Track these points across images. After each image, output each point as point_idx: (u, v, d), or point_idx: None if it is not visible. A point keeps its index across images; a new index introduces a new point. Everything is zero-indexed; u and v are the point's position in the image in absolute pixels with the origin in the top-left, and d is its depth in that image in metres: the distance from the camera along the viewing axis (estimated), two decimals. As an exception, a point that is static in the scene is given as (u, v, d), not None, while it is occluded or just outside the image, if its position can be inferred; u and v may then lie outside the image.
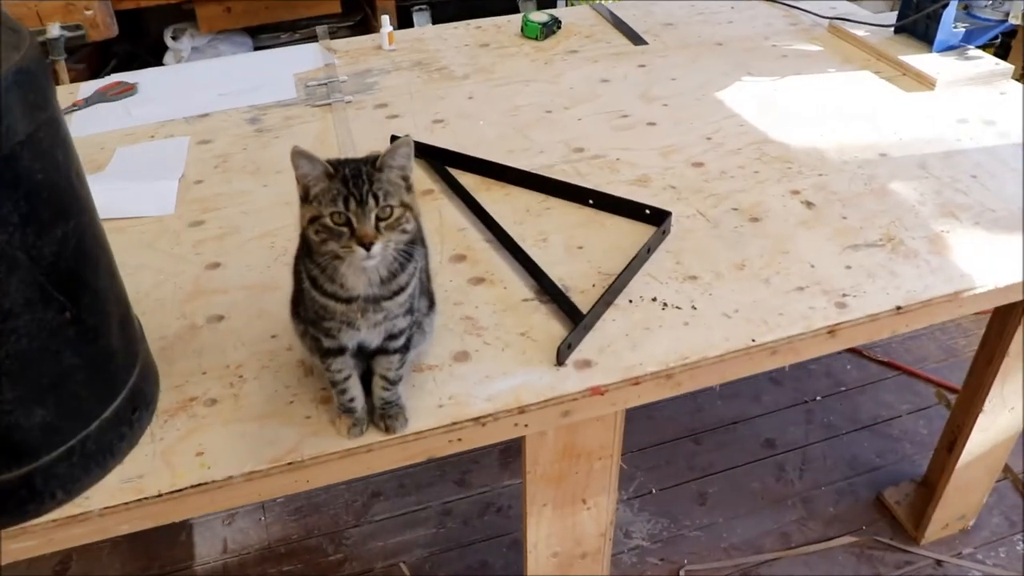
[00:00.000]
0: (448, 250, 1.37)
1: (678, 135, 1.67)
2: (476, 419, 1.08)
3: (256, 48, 3.17)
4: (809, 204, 1.45)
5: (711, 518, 2.12)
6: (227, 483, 1.03)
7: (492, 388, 1.11)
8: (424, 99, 1.86)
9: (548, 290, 1.25)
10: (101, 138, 1.78)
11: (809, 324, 1.20)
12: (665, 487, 2.21)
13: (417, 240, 0.98)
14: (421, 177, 1.57)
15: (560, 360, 1.14)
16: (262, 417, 1.10)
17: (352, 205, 0.89)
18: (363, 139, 1.70)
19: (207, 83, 1.98)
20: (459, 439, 1.10)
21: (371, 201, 0.89)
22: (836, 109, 1.75)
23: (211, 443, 1.07)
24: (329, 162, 0.91)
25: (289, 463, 1.04)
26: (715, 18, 2.19)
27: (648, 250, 1.33)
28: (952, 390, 2.33)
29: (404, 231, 0.92)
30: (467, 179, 1.55)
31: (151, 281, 1.35)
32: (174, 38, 3.07)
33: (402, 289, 0.97)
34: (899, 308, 1.24)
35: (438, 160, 1.59)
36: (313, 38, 2.90)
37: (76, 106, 1.91)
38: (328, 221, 0.90)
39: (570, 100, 1.82)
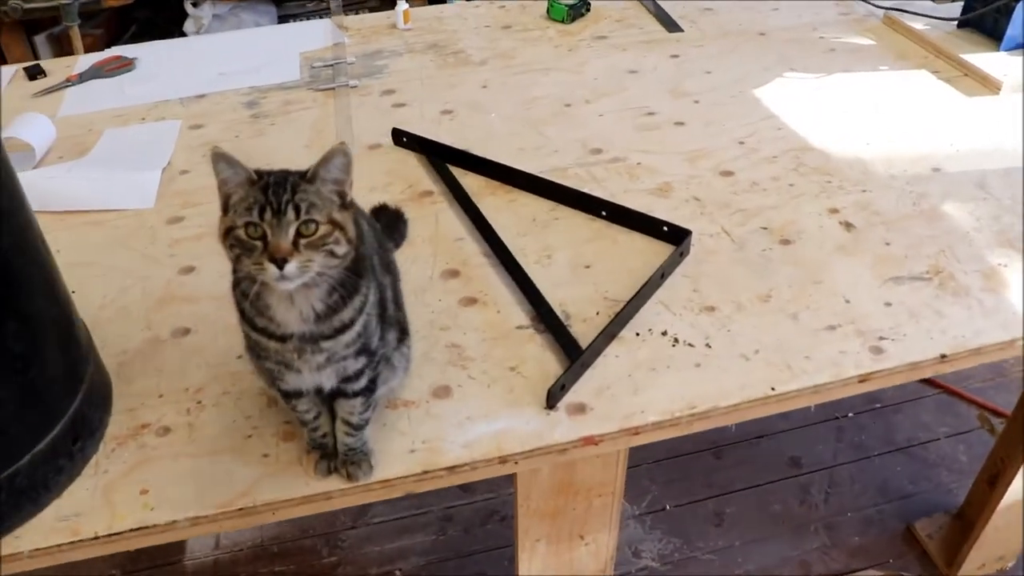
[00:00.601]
0: (441, 263, 1.25)
1: (708, 138, 1.52)
2: (451, 468, 0.96)
3: (280, 17, 3.05)
4: (849, 226, 1.30)
5: (727, 540, 2.00)
6: (170, 527, 0.93)
7: (472, 432, 0.99)
8: (435, 86, 1.72)
9: (545, 318, 1.12)
10: (91, 118, 1.68)
11: (839, 372, 1.06)
12: (680, 504, 2.09)
13: (365, 269, 0.85)
14: (421, 176, 1.44)
15: (551, 404, 1.01)
16: (216, 452, 0.99)
17: (268, 215, 0.76)
18: (365, 130, 1.58)
19: (209, 61, 1.87)
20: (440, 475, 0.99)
21: (290, 212, 0.77)
22: (886, 113, 1.57)
23: (158, 479, 0.96)
24: (256, 171, 0.79)
25: (240, 508, 0.93)
26: (759, 4, 2.01)
27: (662, 275, 1.19)
28: (998, 414, 2.16)
29: (332, 253, 0.79)
30: (471, 180, 1.42)
31: (119, 285, 1.24)
32: (195, 5, 2.96)
33: (345, 327, 0.84)
34: (944, 356, 1.09)
35: (441, 158, 1.46)
36: (342, 8, 2.77)
37: (70, 81, 1.80)
38: (242, 233, 0.77)
39: (592, 93, 1.67)
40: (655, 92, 1.66)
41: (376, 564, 1.97)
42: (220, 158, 0.78)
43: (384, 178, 1.44)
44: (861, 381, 1.07)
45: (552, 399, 1.01)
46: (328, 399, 0.94)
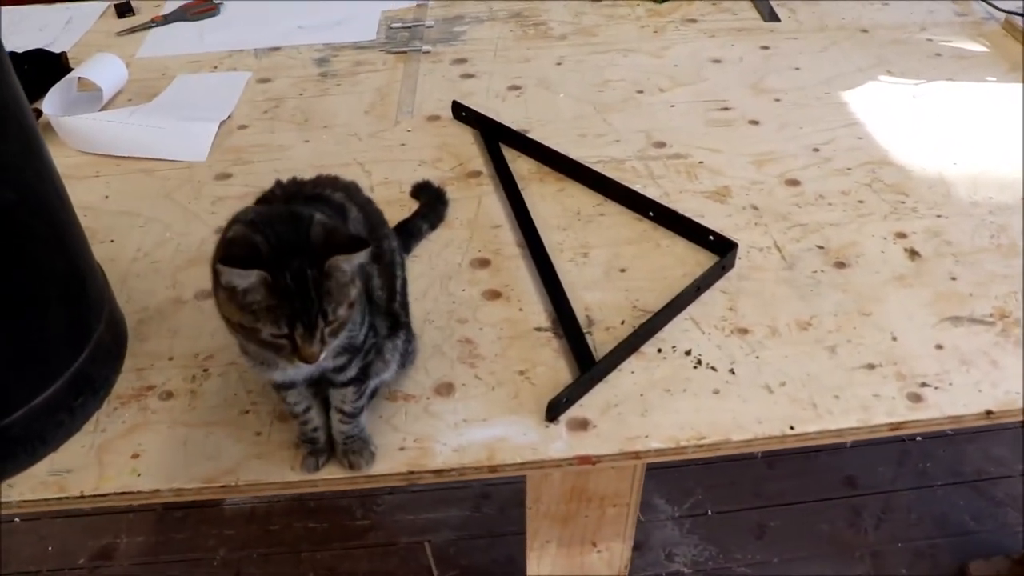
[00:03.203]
0: (473, 251, 1.21)
1: (781, 141, 1.42)
2: (438, 471, 0.94)
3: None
4: (914, 254, 1.20)
5: (765, 555, 1.92)
6: (153, 495, 0.93)
7: (466, 436, 0.96)
8: (508, 59, 1.67)
9: (564, 324, 1.07)
10: (166, 62, 1.69)
11: (867, 418, 0.97)
12: (723, 510, 2.02)
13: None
14: (473, 155, 1.40)
15: (551, 416, 0.97)
16: (211, 423, 0.99)
17: (299, 328, 0.74)
18: (427, 98, 1.54)
19: (291, 11, 1.86)
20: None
21: (320, 321, 0.75)
22: (982, 130, 1.44)
23: (151, 445, 0.96)
24: (266, 260, 0.72)
25: (222, 485, 0.93)
26: (869, -3, 1.87)
27: (698, 288, 1.12)
28: (1083, 461, 2.01)
29: (347, 329, 0.80)
30: (523, 163, 1.37)
31: (156, 239, 1.26)
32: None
33: None
34: (990, 413, 0.99)
35: (496, 137, 1.41)
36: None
37: (154, 22, 1.83)
38: (267, 336, 0.75)
39: (669, 80, 1.59)
40: (735, 85, 1.57)
41: (407, 532, 1.99)
42: (232, 272, 0.72)
43: (435, 153, 1.41)
44: (892, 430, 0.99)
45: (552, 412, 0.96)
46: (319, 389, 0.91)
